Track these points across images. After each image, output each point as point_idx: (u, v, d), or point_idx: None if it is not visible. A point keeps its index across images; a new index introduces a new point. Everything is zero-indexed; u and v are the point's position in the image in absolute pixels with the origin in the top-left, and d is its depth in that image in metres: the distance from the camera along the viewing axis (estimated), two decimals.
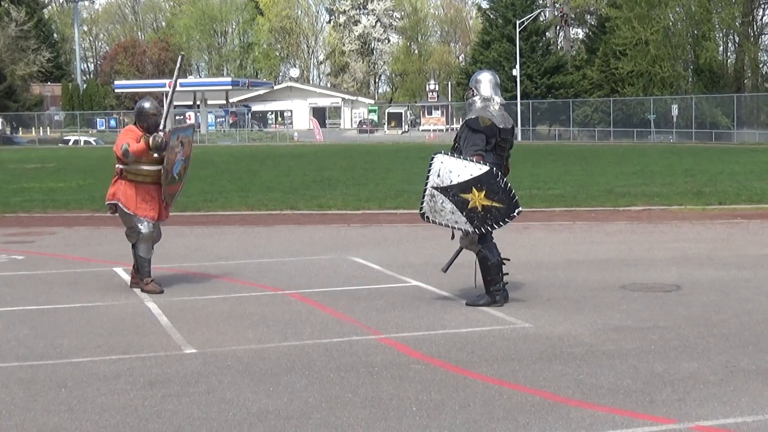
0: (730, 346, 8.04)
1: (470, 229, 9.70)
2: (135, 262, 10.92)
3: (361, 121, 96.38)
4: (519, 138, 74.22)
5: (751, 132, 66.26)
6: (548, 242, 14.92)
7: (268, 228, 17.41)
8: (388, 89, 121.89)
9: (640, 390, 6.78)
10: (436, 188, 9.69)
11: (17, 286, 11.51)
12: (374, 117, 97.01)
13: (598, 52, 75.98)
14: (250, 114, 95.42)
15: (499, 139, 9.90)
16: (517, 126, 74.87)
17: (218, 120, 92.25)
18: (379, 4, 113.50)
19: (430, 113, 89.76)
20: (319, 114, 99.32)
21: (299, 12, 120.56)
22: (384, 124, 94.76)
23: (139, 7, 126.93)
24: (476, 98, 10.04)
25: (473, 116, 9.88)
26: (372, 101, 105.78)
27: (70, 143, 77.59)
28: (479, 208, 9.63)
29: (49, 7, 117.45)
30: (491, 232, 9.91)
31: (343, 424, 6.16)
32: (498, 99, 10.08)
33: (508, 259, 10.15)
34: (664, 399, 6.57)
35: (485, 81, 10.10)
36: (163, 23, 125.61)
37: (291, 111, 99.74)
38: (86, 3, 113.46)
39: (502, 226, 9.78)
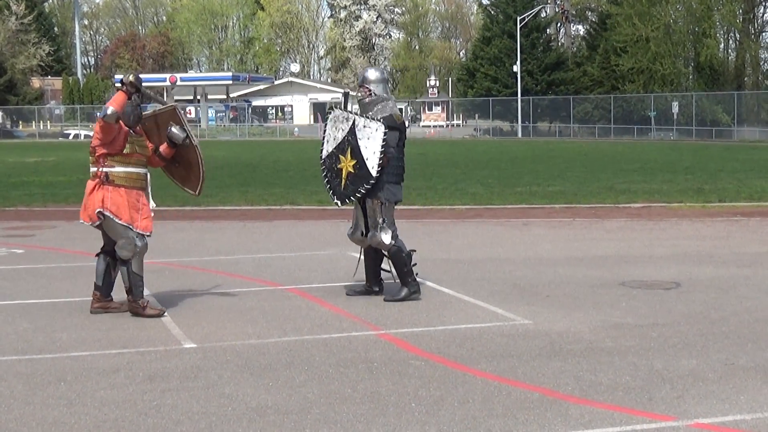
0: (730, 343, 8.05)
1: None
2: (126, 281, 9.41)
3: None
4: (519, 134, 74.28)
5: (751, 129, 66.20)
6: (548, 239, 14.92)
7: (267, 223, 17.41)
8: (389, 85, 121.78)
9: (639, 387, 6.79)
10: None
11: (17, 280, 11.52)
12: None
13: (599, 49, 75.86)
14: (250, 109, 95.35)
15: (404, 135, 10.23)
16: (517, 122, 75.26)
17: (218, 115, 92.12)
18: (380, 0, 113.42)
19: (430, 109, 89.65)
20: (320, 109, 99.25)
21: (300, 7, 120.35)
22: None
23: (140, 1, 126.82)
24: (374, 98, 10.23)
25: (386, 114, 10.05)
26: None
27: (71, 137, 77.53)
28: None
29: (50, 0, 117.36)
30: (395, 225, 10.11)
31: (342, 419, 6.16)
32: (391, 96, 10.52)
33: (414, 250, 10.31)
34: (663, 396, 6.58)
35: (379, 81, 10.34)
36: (164, 17, 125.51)
37: (291, 106, 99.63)
38: None
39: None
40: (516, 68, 75.21)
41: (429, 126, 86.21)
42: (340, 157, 10.03)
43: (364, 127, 9.86)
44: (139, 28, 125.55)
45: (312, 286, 10.90)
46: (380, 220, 9.97)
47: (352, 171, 9.92)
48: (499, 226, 16.58)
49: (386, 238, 9.94)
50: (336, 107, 10.32)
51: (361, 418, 6.19)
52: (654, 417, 6.17)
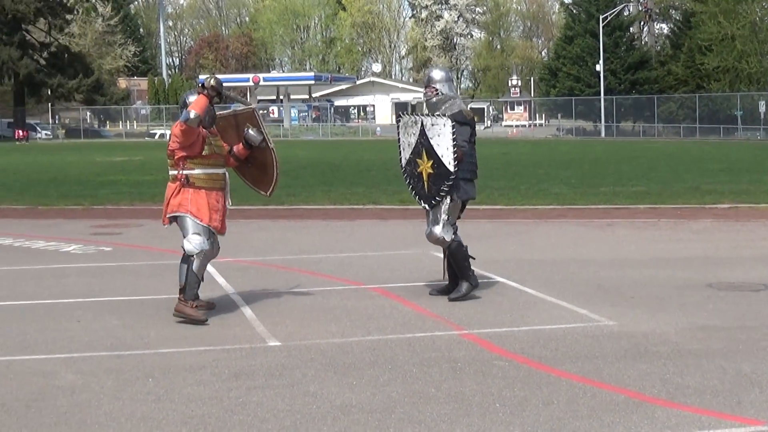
0: None
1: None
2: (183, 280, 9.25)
3: None
4: (602, 134, 73.59)
5: None
6: (632, 240, 14.76)
7: (350, 222, 17.49)
8: (471, 84, 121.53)
9: (727, 390, 6.69)
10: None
11: (105, 277, 11.73)
12: None
13: (683, 48, 74.83)
14: (332, 109, 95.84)
15: (474, 131, 10.27)
16: (600, 122, 74.54)
17: (301, 115, 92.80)
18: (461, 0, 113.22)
19: (512, 109, 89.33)
20: (402, 109, 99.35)
21: (381, 7, 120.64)
22: None
23: (223, 2, 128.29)
24: (441, 96, 10.21)
25: (456, 110, 10.06)
26: None
27: (156, 137, 78.69)
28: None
29: (135, 2, 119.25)
30: (456, 223, 10.19)
31: (426, 419, 6.17)
32: (458, 94, 10.60)
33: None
34: (752, 400, 6.47)
35: (445, 80, 10.33)
36: (247, 18, 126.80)
37: (373, 106, 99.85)
38: None
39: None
40: (599, 67, 74.55)
41: (511, 126, 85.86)
42: (417, 161, 10.08)
43: (432, 125, 9.90)
44: (223, 28, 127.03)
45: (395, 285, 10.92)
46: (444, 217, 9.98)
47: (432, 171, 9.94)
48: (582, 227, 16.45)
49: (447, 235, 9.97)
50: (405, 114, 10.40)
51: (445, 417, 6.19)
52: (743, 421, 6.07)
